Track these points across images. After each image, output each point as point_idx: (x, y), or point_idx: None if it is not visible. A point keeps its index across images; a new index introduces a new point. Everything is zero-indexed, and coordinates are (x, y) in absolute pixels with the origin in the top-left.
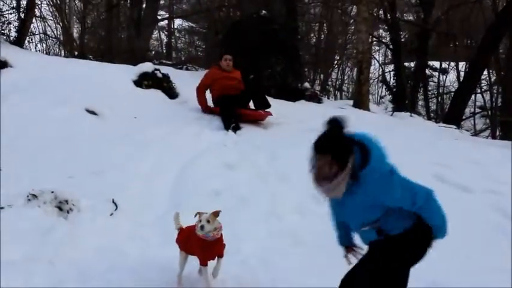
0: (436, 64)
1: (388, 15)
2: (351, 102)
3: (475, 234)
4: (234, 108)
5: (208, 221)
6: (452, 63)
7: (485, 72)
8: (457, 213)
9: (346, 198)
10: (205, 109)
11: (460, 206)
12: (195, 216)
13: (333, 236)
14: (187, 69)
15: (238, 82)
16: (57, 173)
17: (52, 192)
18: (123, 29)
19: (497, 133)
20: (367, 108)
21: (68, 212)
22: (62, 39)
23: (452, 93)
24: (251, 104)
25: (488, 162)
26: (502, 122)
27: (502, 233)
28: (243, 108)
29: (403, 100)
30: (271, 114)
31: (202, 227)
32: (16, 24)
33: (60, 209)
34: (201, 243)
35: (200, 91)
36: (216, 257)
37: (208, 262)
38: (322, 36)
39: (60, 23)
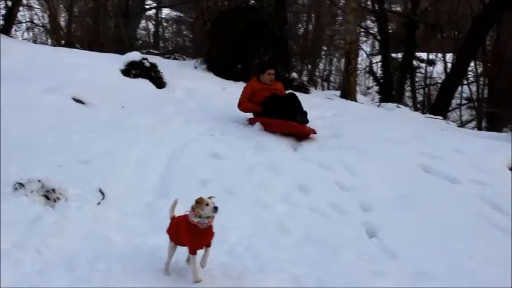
0: (424, 55)
1: (376, 6)
2: (339, 92)
3: (461, 223)
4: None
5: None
6: (440, 55)
7: (472, 63)
8: (443, 203)
9: None
10: (253, 108)
11: (446, 196)
12: (196, 202)
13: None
14: (175, 58)
15: (280, 93)
16: (44, 162)
17: (39, 181)
18: (110, 18)
19: (483, 124)
20: (354, 99)
21: (55, 201)
22: (48, 27)
23: (439, 85)
24: None
25: (474, 153)
26: (488, 113)
27: (486, 222)
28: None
29: (390, 91)
30: (315, 133)
31: (216, 208)
32: (3, 12)
33: (47, 197)
34: (192, 231)
35: (243, 103)
36: (204, 247)
37: (197, 251)
38: (310, 26)
39: (47, 12)
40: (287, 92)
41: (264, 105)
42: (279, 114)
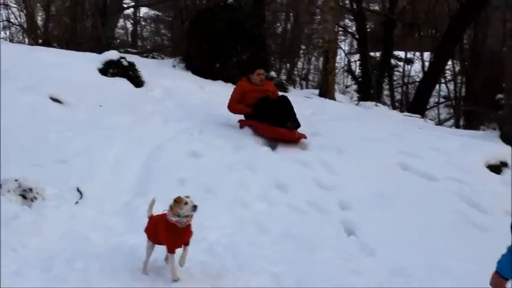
0: (401, 54)
1: (354, 4)
2: (317, 91)
3: (439, 221)
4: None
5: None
6: (417, 53)
7: (449, 62)
8: (421, 201)
9: None
10: (244, 110)
11: (424, 194)
12: (175, 201)
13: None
14: (153, 57)
15: (272, 94)
16: (21, 161)
17: (16, 180)
18: (88, 17)
19: (461, 122)
20: (332, 98)
21: (32, 200)
22: (25, 26)
23: (417, 83)
24: None
25: (452, 151)
26: (466, 112)
27: (463, 220)
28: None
29: (369, 89)
30: (305, 137)
31: (195, 207)
32: None
33: (24, 197)
34: (171, 230)
35: (232, 105)
36: (183, 245)
37: (176, 250)
38: (289, 25)
39: (24, 10)
40: (279, 94)
41: (255, 107)
42: (269, 118)
